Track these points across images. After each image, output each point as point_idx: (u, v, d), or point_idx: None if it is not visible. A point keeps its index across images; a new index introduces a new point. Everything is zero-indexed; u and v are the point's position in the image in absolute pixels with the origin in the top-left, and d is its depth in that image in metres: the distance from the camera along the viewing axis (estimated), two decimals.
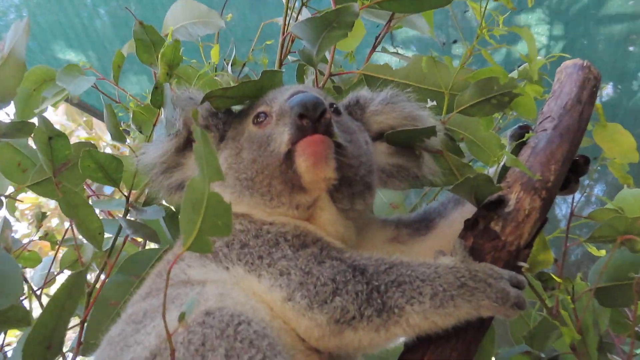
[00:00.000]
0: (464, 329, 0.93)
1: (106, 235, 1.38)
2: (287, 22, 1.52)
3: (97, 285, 1.40)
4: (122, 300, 1.34)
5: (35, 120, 1.33)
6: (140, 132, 1.41)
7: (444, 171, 1.21)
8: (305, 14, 1.50)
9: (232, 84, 1.14)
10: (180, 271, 1.03)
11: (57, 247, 1.64)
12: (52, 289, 1.74)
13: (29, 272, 1.81)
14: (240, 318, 0.88)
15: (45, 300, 1.48)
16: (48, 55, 2.79)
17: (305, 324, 0.93)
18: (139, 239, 1.66)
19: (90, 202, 1.37)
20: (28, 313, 1.37)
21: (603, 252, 1.27)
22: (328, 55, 1.43)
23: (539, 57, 1.28)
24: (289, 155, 1.03)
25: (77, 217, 1.29)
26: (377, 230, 1.18)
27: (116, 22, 2.67)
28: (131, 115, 1.37)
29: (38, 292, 1.55)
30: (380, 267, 0.95)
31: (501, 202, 1.03)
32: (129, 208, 1.37)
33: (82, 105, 3.00)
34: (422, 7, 1.27)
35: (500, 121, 1.59)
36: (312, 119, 1.01)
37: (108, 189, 1.66)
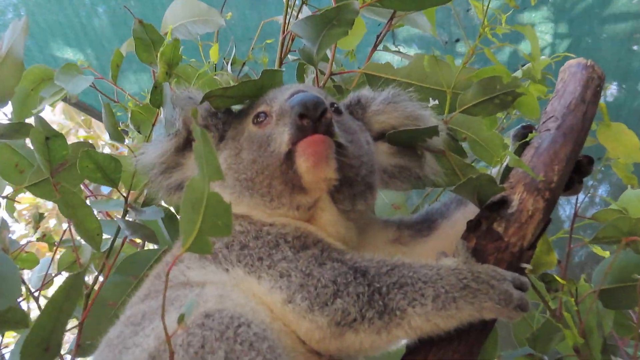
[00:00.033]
0: (466, 331, 0.93)
1: (104, 236, 1.38)
2: (287, 21, 1.52)
3: (96, 287, 1.40)
4: (120, 300, 1.34)
5: (32, 120, 1.33)
6: (139, 131, 1.41)
7: (446, 171, 1.21)
8: (306, 12, 1.50)
9: (232, 84, 1.14)
10: (179, 273, 1.03)
11: (55, 248, 1.64)
12: (50, 291, 1.74)
13: (26, 274, 1.81)
14: (240, 320, 0.88)
15: (43, 302, 1.48)
16: (46, 54, 2.79)
17: (306, 326, 0.93)
18: (138, 240, 1.66)
19: (88, 202, 1.37)
20: (26, 315, 1.37)
21: (607, 253, 1.27)
22: (329, 54, 1.42)
23: (543, 57, 1.28)
24: (289, 156, 1.03)
25: (75, 217, 1.29)
26: (378, 232, 1.18)
27: (115, 20, 2.67)
28: (129, 115, 1.37)
29: (36, 294, 1.55)
30: (382, 268, 0.95)
31: (504, 202, 1.03)
32: (128, 209, 1.37)
33: (80, 105, 3.00)
34: (423, 4, 1.27)
35: (504, 121, 1.59)
36: (312, 119, 1.01)
37: (106, 189, 1.66)
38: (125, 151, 1.52)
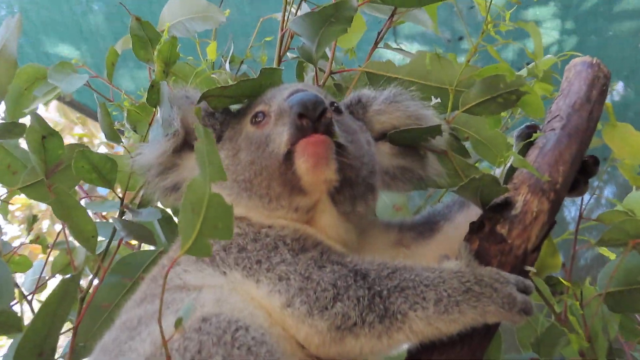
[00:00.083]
0: (469, 336, 0.93)
1: (99, 238, 1.38)
2: (286, 18, 1.52)
3: (90, 290, 1.40)
4: (114, 302, 1.34)
5: (25, 120, 1.33)
6: (135, 131, 1.41)
7: (449, 172, 1.21)
8: (305, 9, 1.50)
9: (230, 82, 1.14)
10: (175, 276, 1.03)
11: (48, 250, 1.64)
12: (44, 294, 1.74)
13: (19, 277, 1.81)
14: (237, 324, 0.88)
15: (36, 305, 1.48)
16: (39, 52, 2.79)
17: (305, 330, 0.93)
18: (133, 242, 1.66)
19: (82, 203, 1.37)
20: (19, 319, 1.37)
21: (614, 255, 1.27)
22: (328, 52, 1.42)
23: (549, 55, 1.28)
24: (289, 156, 1.03)
25: (69, 219, 1.29)
26: (379, 234, 1.18)
27: (110, 17, 2.67)
28: (125, 115, 1.37)
29: (29, 298, 1.55)
30: (383, 271, 0.96)
31: (508, 204, 1.03)
32: (124, 210, 1.37)
33: (75, 104, 3.00)
34: (424, 1, 1.27)
35: (509, 120, 1.59)
36: (312, 119, 1.01)
37: (102, 190, 1.66)
38: (121, 150, 1.52)
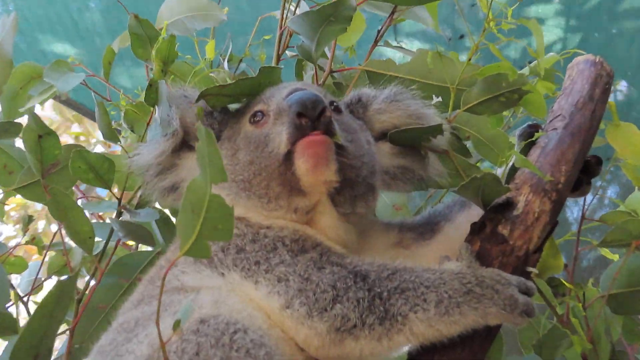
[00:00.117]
0: (470, 338, 0.93)
1: (96, 239, 1.38)
2: (284, 16, 1.52)
3: (87, 292, 1.40)
4: (111, 304, 1.34)
5: (22, 119, 1.33)
6: (132, 130, 1.41)
7: (450, 172, 1.21)
8: (304, 6, 1.50)
9: (229, 81, 1.14)
10: (173, 277, 1.03)
11: (44, 251, 1.64)
12: (40, 296, 1.74)
13: (14, 278, 1.81)
14: (236, 326, 0.88)
15: (32, 307, 1.48)
16: (35, 50, 2.80)
17: (305, 332, 0.94)
18: (130, 243, 1.66)
19: (79, 204, 1.37)
20: (15, 321, 1.37)
21: (616, 257, 1.27)
22: (327, 51, 1.43)
23: (551, 53, 1.28)
24: (288, 157, 1.03)
25: (66, 220, 1.29)
26: (379, 235, 1.18)
27: (107, 15, 2.67)
28: (122, 114, 1.37)
29: (25, 299, 1.55)
30: (383, 273, 0.96)
31: (509, 204, 1.04)
32: (122, 210, 1.37)
33: (71, 103, 3.00)
34: None
35: (511, 119, 1.59)
36: (311, 118, 1.01)
37: (101, 191, 1.66)
38: (118, 149, 1.52)
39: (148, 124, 1.33)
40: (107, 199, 1.63)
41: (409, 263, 0.98)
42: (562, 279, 1.21)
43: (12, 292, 1.51)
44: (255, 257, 1.01)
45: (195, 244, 0.74)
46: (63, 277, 1.24)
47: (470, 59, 1.21)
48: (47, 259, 1.65)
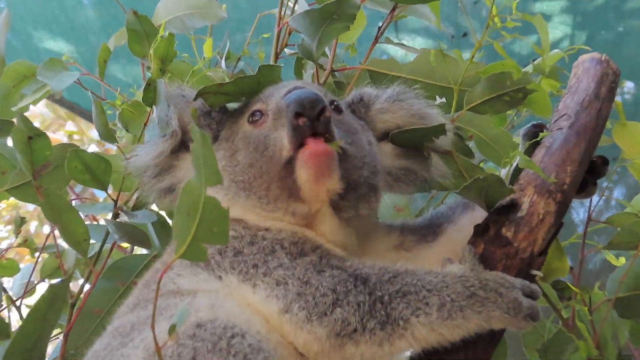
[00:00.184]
0: (473, 342, 0.94)
1: (90, 241, 1.38)
2: (282, 13, 1.52)
3: (82, 296, 1.40)
4: (107, 308, 1.34)
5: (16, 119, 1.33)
6: (127, 130, 1.41)
7: (454, 173, 1.21)
8: (302, 4, 1.50)
9: (227, 80, 1.14)
10: (169, 280, 1.03)
11: (38, 254, 1.64)
12: (33, 299, 1.74)
13: (6, 281, 1.81)
14: (233, 330, 0.88)
15: (25, 311, 1.49)
16: (28, 48, 2.80)
17: (304, 337, 0.94)
18: (125, 245, 1.66)
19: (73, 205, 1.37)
20: (7, 325, 1.37)
21: (622, 260, 1.28)
22: (328, 49, 1.42)
23: (556, 50, 1.28)
24: (289, 163, 1.03)
25: (60, 222, 1.29)
26: (381, 237, 1.18)
27: (102, 12, 2.68)
28: (118, 114, 1.37)
29: (17, 303, 1.55)
30: (384, 276, 0.96)
31: (513, 206, 1.04)
32: (118, 212, 1.37)
33: (64, 102, 3.00)
34: None
35: (515, 118, 1.59)
36: (310, 118, 1.00)
37: (99, 193, 1.65)
38: (113, 148, 1.51)
39: (145, 124, 1.33)
40: (101, 200, 1.63)
41: (410, 266, 0.98)
42: (567, 282, 1.21)
43: (4, 296, 1.51)
44: (253, 260, 1.01)
45: (191, 247, 0.75)
46: (56, 280, 1.24)
47: (473, 57, 1.21)
48: (40, 260, 1.65)
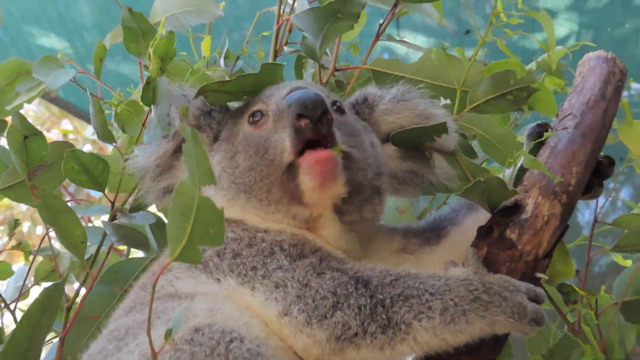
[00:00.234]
0: (477, 347, 0.93)
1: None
2: (282, 10, 1.52)
3: (78, 300, 1.40)
4: (104, 313, 1.34)
5: (9, 117, 1.33)
6: (124, 130, 1.41)
7: (460, 175, 1.21)
8: (302, 1, 1.50)
9: (227, 79, 1.14)
10: (167, 283, 1.03)
11: (32, 257, 1.64)
12: (27, 303, 1.75)
13: (0, 285, 1.81)
14: (232, 335, 0.88)
15: (19, 315, 1.49)
16: (20, 46, 2.80)
17: (303, 341, 0.94)
18: (122, 248, 1.66)
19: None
20: (0, 329, 1.37)
21: (629, 262, 1.28)
22: (328, 51, 1.42)
23: (560, 47, 1.28)
24: (292, 168, 1.03)
25: (56, 224, 1.28)
26: (384, 241, 1.18)
27: (96, 9, 2.68)
28: (113, 113, 1.37)
29: (11, 307, 1.55)
30: (386, 279, 0.96)
31: (517, 207, 1.04)
32: (116, 213, 1.36)
33: (59, 101, 3.00)
34: None
35: (518, 116, 1.59)
36: (312, 119, 1.00)
37: (96, 194, 1.65)
38: (109, 148, 1.51)
39: (144, 124, 1.33)
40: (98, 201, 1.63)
41: (413, 269, 0.98)
42: (573, 286, 1.21)
43: None
44: (252, 262, 1.01)
45: (186, 249, 0.75)
46: (49, 284, 1.24)
47: (476, 54, 1.20)
48: (33, 262, 1.65)
